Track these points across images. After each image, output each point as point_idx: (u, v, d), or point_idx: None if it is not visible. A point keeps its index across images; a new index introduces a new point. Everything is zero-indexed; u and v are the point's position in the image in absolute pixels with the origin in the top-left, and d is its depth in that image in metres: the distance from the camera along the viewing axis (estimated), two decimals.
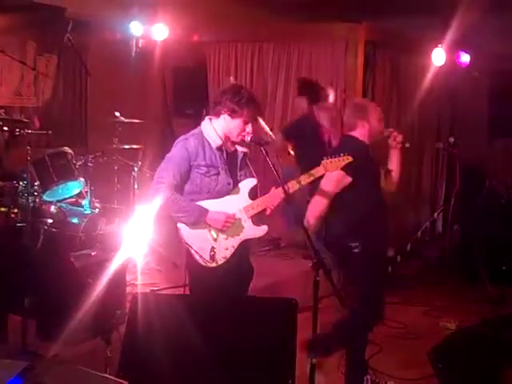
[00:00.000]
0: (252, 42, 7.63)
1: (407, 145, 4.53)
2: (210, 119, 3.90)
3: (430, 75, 7.35)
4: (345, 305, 5.51)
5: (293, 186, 3.87)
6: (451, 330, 5.37)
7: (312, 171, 3.94)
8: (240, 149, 3.97)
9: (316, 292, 3.52)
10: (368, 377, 4.39)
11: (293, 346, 3.18)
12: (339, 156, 3.93)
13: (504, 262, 6.18)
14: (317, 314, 3.56)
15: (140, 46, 7.70)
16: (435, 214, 6.74)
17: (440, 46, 7.26)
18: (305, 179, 3.91)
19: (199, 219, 3.78)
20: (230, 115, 3.81)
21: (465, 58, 7.90)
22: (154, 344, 3.12)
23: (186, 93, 8.09)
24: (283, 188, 3.74)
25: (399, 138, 4.48)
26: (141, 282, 5.35)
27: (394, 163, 4.53)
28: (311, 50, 7.27)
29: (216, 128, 3.86)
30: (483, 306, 5.96)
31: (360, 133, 4.43)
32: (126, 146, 6.53)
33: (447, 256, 6.81)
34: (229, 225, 3.82)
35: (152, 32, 7.49)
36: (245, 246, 3.94)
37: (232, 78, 7.06)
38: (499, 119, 8.18)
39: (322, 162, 3.92)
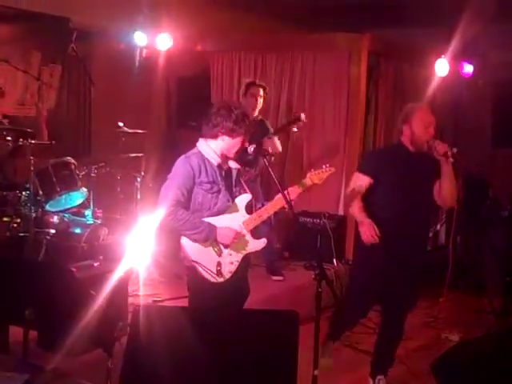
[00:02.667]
0: (255, 51, 7.63)
1: (450, 159, 4.23)
2: (206, 140, 3.94)
3: (433, 86, 7.34)
4: None
5: (292, 192, 3.92)
6: (454, 341, 5.35)
7: (300, 182, 4.01)
8: (233, 166, 4.04)
9: (318, 303, 3.52)
10: None
11: (294, 358, 3.16)
12: (322, 168, 4.04)
13: (508, 273, 6.14)
14: (319, 325, 3.55)
15: (144, 55, 7.72)
16: (438, 226, 6.72)
17: (443, 56, 7.26)
18: (293, 191, 3.96)
19: (210, 235, 3.83)
20: (229, 135, 3.87)
21: (468, 68, 7.89)
22: (156, 356, 3.11)
23: (190, 103, 8.10)
24: (284, 196, 3.77)
25: (441, 148, 4.22)
26: (143, 293, 5.34)
27: (441, 177, 4.34)
28: (314, 60, 7.27)
29: (213, 148, 3.92)
30: (487, 317, 5.95)
31: (405, 138, 4.39)
32: (130, 156, 6.53)
33: (450, 267, 6.78)
34: (236, 240, 3.87)
35: (156, 42, 7.50)
36: (245, 264, 4.01)
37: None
38: (503, 129, 8.17)
39: (308, 173, 4.03)
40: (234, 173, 4.04)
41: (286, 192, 3.83)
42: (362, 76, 7.00)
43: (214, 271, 3.83)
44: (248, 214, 3.98)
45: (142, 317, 3.23)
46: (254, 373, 3.13)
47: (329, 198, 6.97)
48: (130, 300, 4.81)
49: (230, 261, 3.88)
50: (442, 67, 7.25)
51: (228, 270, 3.87)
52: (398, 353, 5.15)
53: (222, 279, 3.84)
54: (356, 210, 4.40)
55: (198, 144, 3.98)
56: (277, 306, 5.34)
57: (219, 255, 3.87)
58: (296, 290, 5.99)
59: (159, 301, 5.30)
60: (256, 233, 4.01)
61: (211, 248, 3.87)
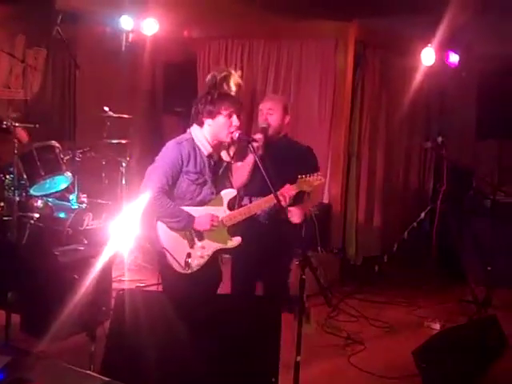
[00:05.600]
0: (242, 38, 7.61)
1: None
2: (201, 128, 3.86)
3: (419, 75, 7.36)
4: (330, 303, 5.58)
5: (269, 199, 3.93)
6: (436, 330, 5.39)
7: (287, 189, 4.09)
8: (224, 158, 3.97)
9: (302, 290, 3.53)
10: None
11: (276, 344, 3.19)
12: (314, 175, 4.13)
13: (489, 262, 6.19)
14: (302, 311, 3.57)
15: (130, 40, 7.66)
16: (422, 214, 6.74)
17: (430, 45, 7.26)
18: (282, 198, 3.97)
19: (188, 225, 3.78)
20: (210, 117, 3.79)
21: (454, 58, 7.91)
22: (139, 340, 3.11)
23: (176, 89, 8.05)
24: (277, 198, 3.72)
25: None
26: (127, 278, 5.35)
27: None
28: (301, 48, 7.25)
29: (206, 136, 3.84)
30: (468, 306, 5.99)
31: None
32: (114, 141, 6.50)
33: (433, 256, 6.83)
34: (215, 224, 3.82)
35: (142, 26, 7.44)
36: (218, 254, 3.96)
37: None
38: (487, 120, 8.20)
39: (298, 179, 4.10)
40: (223, 165, 3.96)
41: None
42: (348, 64, 7.00)
43: (182, 262, 3.76)
44: (229, 209, 3.92)
45: (126, 301, 3.23)
46: (237, 357, 3.15)
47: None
48: (114, 285, 4.81)
49: (201, 254, 3.83)
50: (428, 56, 7.25)
51: (197, 263, 3.81)
52: (379, 340, 5.22)
53: (188, 271, 3.77)
54: None
55: (191, 129, 3.89)
56: (260, 292, 5.33)
57: (191, 246, 3.81)
58: None
59: (143, 286, 5.31)
60: (232, 230, 3.95)
61: (185, 238, 3.81)
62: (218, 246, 3.90)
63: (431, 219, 6.91)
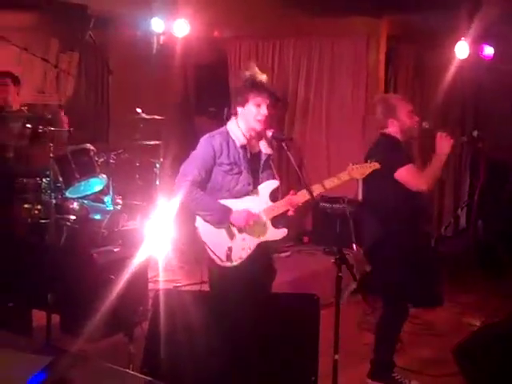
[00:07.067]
0: (273, 37, 7.59)
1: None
2: (236, 119, 3.90)
3: (453, 69, 7.26)
4: (367, 301, 5.54)
5: (317, 188, 3.83)
6: (476, 326, 5.31)
7: (337, 176, 3.91)
8: (264, 150, 3.95)
9: (338, 287, 3.50)
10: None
11: (315, 342, 3.17)
12: (365, 162, 3.92)
13: None
14: (339, 310, 3.54)
15: (161, 42, 7.69)
16: (459, 210, 6.66)
17: (463, 38, 7.16)
18: (329, 183, 3.87)
19: (224, 218, 3.77)
20: (241, 105, 3.83)
21: (489, 50, 7.78)
22: (177, 340, 3.12)
23: (208, 89, 8.09)
24: (308, 189, 3.69)
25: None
26: (163, 279, 5.36)
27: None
28: (332, 46, 7.22)
29: (241, 126, 3.86)
30: (508, 302, 5.89)
31: (392, 129, 4.43)
32: (148, 143, 6.54)
33: (471, 252, 6.73)
34: (251, 222, 3.79)
35: (173, 28, 7.46)
36: (265, 248, 3.90)
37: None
38: None
39: (348, 167, 3.90)
40: (264, 157, 3.93)
41: (320, 185, 3.81)
42: (380, 61, 6.95)
43: (223, 255, 3.75)
44: (272, 201, 3.88)
45: (163, 301, 3.24)
46: (276, 356, 3.14)
47: (348, 183, 6.92)
48: (150, 285, 4.83)
49: (242, 246, 3.79)
50: (462, 50, 7.14)
51: (238, 255, 3.78)
52: (418, 338, 5.16)
53: (229, 264, 3.76)
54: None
55: (228, 122, 3.92)
56: (297, 290, 5.32)
57: (231, 239, 3.79)
58: (315, 275, 5.98)
59: (179, 286, 5.32)
60: (277, 222, 3.90)
61: (224, 231, 3.79)
62: (260, 238, 3.85)
63: (468, 214, 6.82)
